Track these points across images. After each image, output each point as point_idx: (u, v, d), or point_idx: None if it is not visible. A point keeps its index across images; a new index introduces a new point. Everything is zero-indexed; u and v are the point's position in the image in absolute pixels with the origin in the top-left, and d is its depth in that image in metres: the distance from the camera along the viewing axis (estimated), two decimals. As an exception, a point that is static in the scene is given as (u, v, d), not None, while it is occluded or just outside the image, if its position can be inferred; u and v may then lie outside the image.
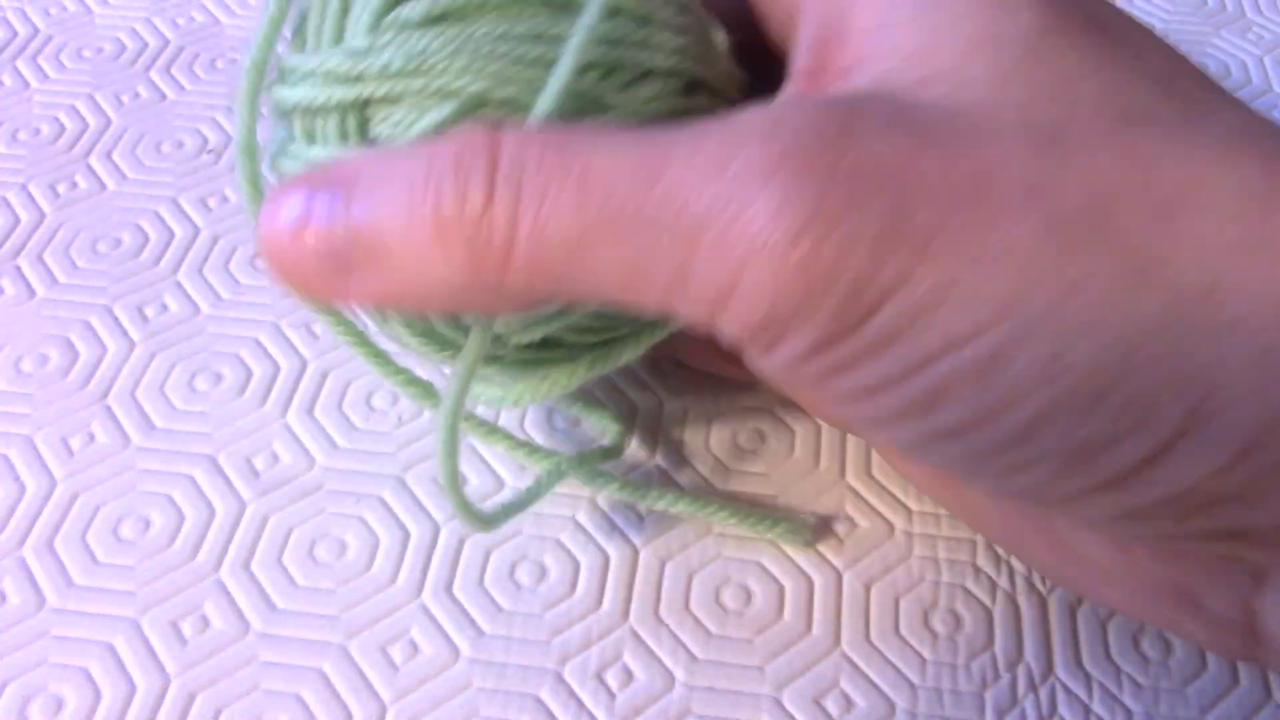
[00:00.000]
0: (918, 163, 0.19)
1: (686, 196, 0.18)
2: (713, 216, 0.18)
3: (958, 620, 0.29)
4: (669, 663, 0.28)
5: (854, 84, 0.21)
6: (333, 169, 0.22)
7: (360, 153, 0.23)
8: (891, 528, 0.31)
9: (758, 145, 0.18)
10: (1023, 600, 0.29)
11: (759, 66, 0.26)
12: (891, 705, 0.28)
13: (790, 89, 0.23)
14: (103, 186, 0.40)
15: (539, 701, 0.28)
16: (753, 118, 0.19)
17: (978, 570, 0.30)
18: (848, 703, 0.28)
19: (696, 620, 0.29)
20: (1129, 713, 0.28)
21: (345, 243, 0.21)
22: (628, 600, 0.29)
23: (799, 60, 0.23)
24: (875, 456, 0.32)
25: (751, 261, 0.18)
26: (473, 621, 0.29)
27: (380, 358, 0.29)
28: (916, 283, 0.18)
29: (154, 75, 0.44)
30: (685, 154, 0.19)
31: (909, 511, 0.31)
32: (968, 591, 0.30)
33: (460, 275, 0.20)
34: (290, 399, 0.34)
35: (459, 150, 0.20)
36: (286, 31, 0.27)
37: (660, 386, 0.34)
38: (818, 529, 0.31)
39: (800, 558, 0.30)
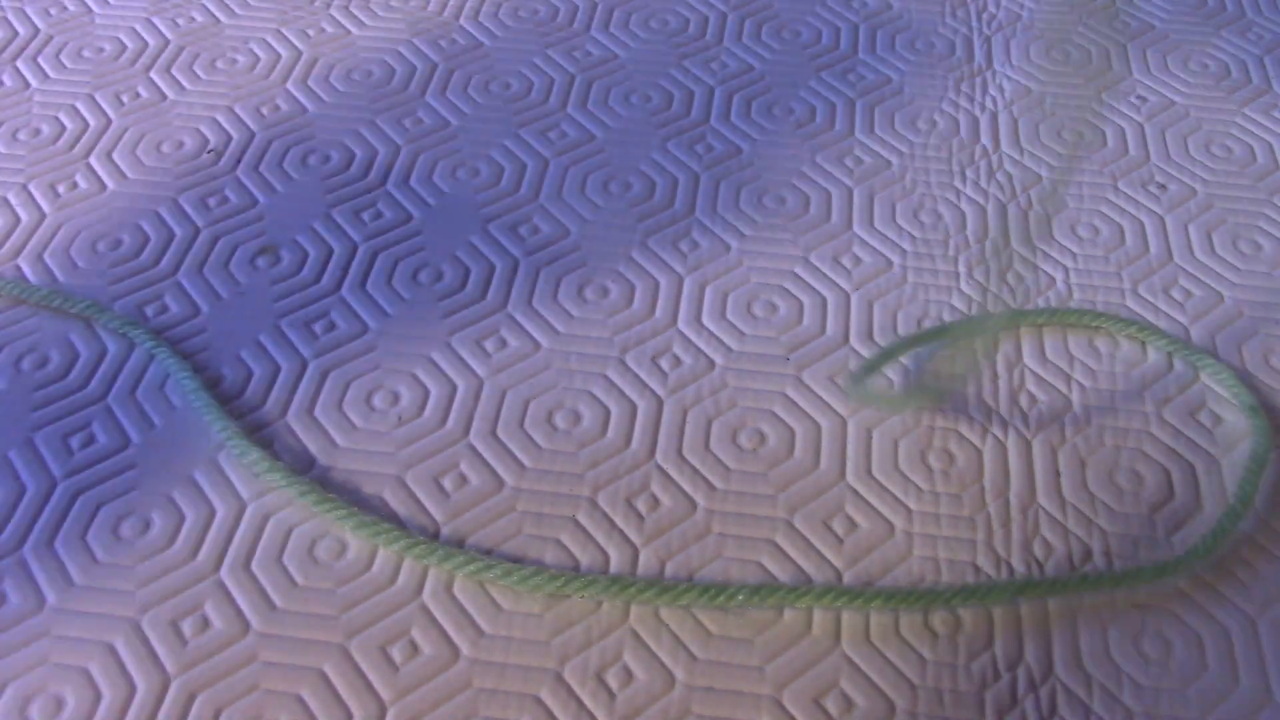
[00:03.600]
0: None
1: None
2: None
3: (958, 620, 0.29)
4: (669, 662, 0.28)
5: None
6: None
7: None
8: (891, 528, 0.31)
9: None
10: (1023, 601, 0.29)
11: None
12: (891, 705, 0.28)
13: None
14: (103, 186, 0.40)
15: (539, 701, 0.28)
16: None
17: (978, 570, 0.30)
18: (848, 703, 0.28)
19: (696, 620, 0.29)
20: (1129, 713, 0.28)
21: None
22: (627, 600, 0.29)
23: None
24: (875, 457, 0.32)
25: None
26: (473, 621, 0.29)
27: None
28: None
29: (154, 75, 0.44)
30: None
31: (909, 511, 0.31)
32: (968, 591, 0.30)
33: None
34: (290, 399, 0.34)
35: None
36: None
37: (660, 386, 0.34)
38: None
39: (800, 557, 0.30)
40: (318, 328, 0.35)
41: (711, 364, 0.34)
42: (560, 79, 0.44)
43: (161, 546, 0.30)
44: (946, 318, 0.36)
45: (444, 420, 0.33)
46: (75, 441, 0.32)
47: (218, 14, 0.47)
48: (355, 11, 0.47)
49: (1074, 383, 0.34)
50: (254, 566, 0.30)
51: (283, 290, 0.36)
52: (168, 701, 0.27)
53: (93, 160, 0.41)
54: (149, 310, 0.36)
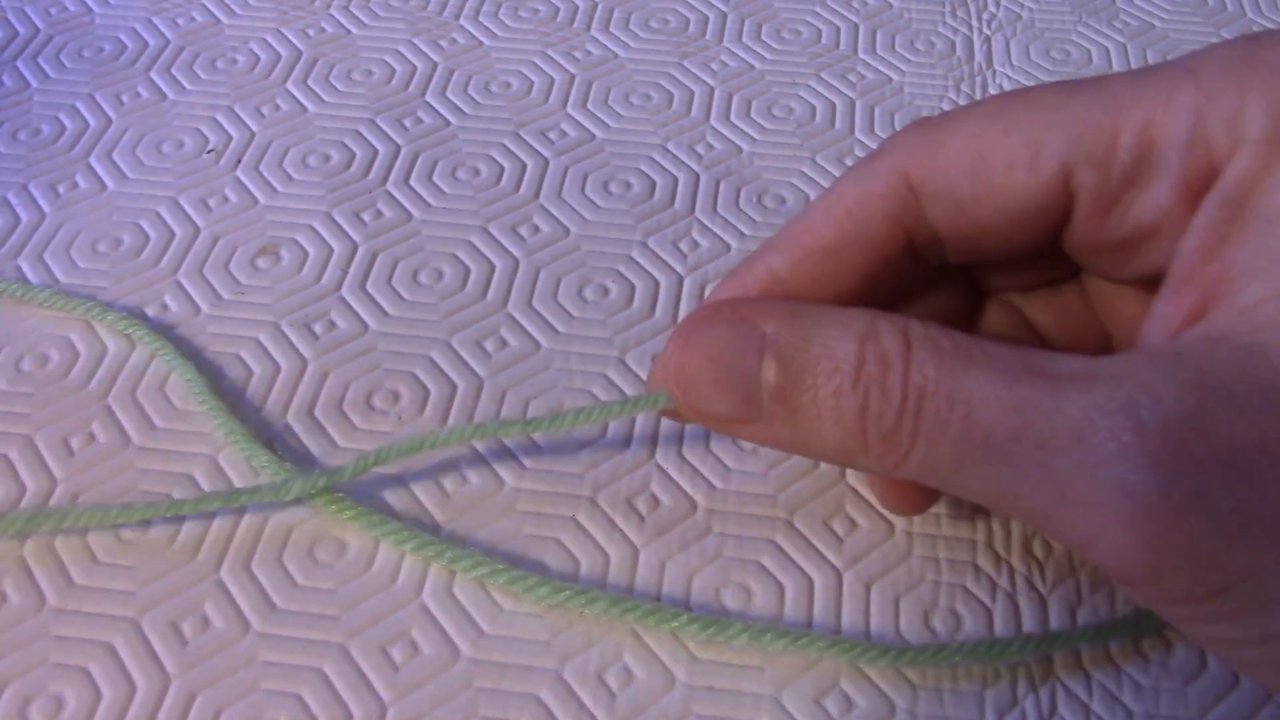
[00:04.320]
0: (1274, 449, 0.19)
1: (1052, 454, 0.20)
2: (1073, 478, 0.20)
3: (958, 620, 0.29)
4: (669, 662, 0.28)
5: (1215, 324, 0.21)
6: (755, 310, 0.24)
7: (777, 302, 0.24)
8: (891, 528, 0.31)
9: (1118, 418, 0.19)
10: (1023, 600, 0.29)
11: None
12: (891, 705, 0.28)
13: (1153, 329, 0.23)
14: (103, 186, 0.40)
15: (539, 701, 0.28)
16: (1113, 387, 0.20)
17: (978, 570, 0.30)
18: (848, 703, 0.28)
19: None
20: (1129, 713, 0.28)
21: (765, 395, 0.23)
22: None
23: (1166, 294, 0.23)
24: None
25: (1106, 529, 0.20)
26: (473, 621, 0.29)
27: None
28: (1271, 572, 0.19)
29: (154, 75, 0.44)
30: (1051, 410, 0.20)
31: (909, 511, 0.31)
32: (968, 591, 0.30)
33: (856, 455, 0.23)
34: (290, 399, 0.34)
35: (882, 352, 0.22)
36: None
37: (660, 386, 0.34)
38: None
39: (800, 558, 0.30)
40: (318, 328, 0.35)
41: (711, 364, 0.34)
42: (560, 79, 0.44)
43: (161, 546, 0.30)
44: (946, 318, 0.36)
45: (444, 420, 0.33)
46: (75, 442, 0.32)
47: (218, 14, 0.47)
48: (355, 11, 0.47)
49: (1074, 383, 0.34)
50: (254, 566, 0.30)
51: (283, 290, 0.36)
52: (168, 701, 0.27)
53: (93, 160, 0.41)
54: (149, 310, 0.36)
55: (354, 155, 0.41)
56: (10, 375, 0.34)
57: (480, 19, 0.47)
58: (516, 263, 0.37)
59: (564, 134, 0.42)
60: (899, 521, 0.31)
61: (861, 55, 0.45)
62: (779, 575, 0.30)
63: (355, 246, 0.38)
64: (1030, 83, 0.44)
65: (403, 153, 0.41)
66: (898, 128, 0.42)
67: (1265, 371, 0.20)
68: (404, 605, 0.29)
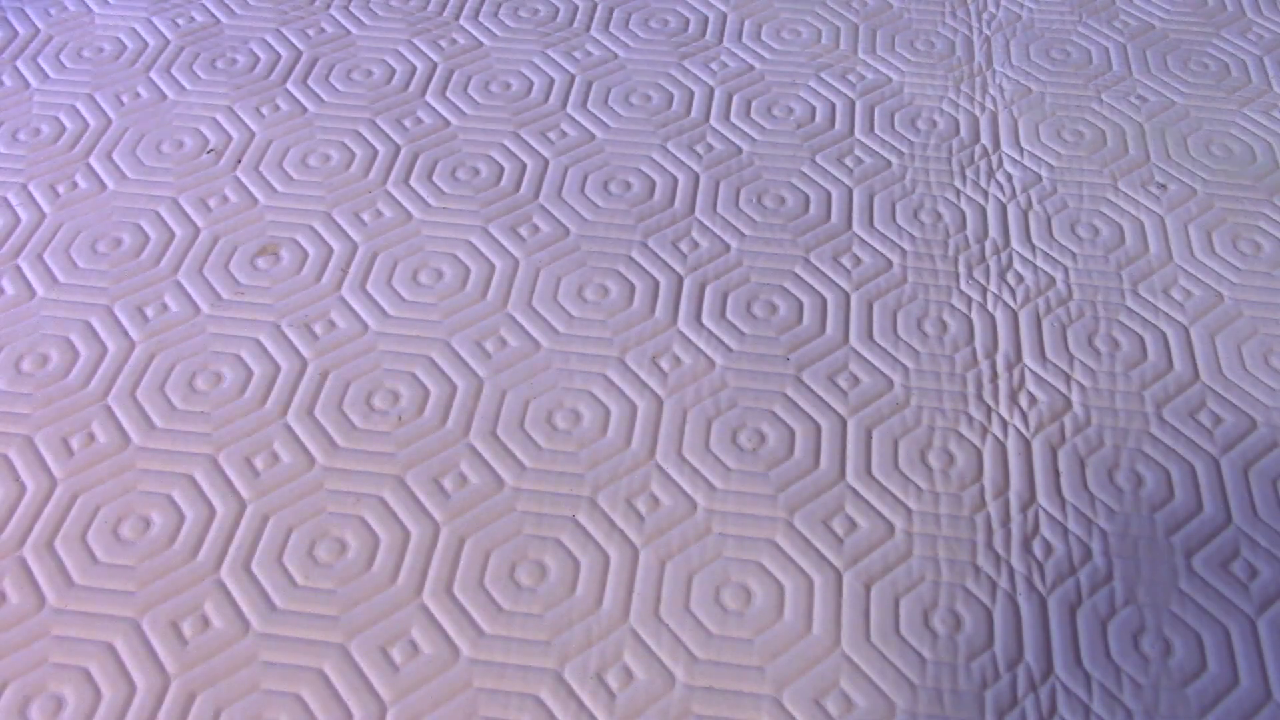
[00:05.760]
0: None
1: None
2: None
3: (958, 620, 0.29)
4: (669, 663, 0.28)
5: None
6: None
7: None
8: (892, 528, 0.31)
9: None
10: (1023, 600, 0.29)
11: None
12: (891, 705, 0.28)
13: None
14: (103, 186, 0.40)
15: (539, 701, 0.28)
16: None
17: (978, 570, 0.30)
18: (848, 703, 0.28)
19: (696, 620, 0.29)
20: (1129, 713, 0.28)
21: None
22: (628, 600, 0.29)
23: None
24: (875, 457, 0.32)
25: None
26: (473, 621, 0.29)
27: None
28: None
29: (154, 75, 0.44)
30: None
31: (909, 511, 0.31)
32: (968, 591, 0.30)
33: None
34: (290, 399, 0.34)
35: None
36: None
37: (660, 386, 0.34)
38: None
39: (800, 558, 0.30)
40: (318, 328, 0.35)
41: (711, 364, 0.34)
42: (560, 79, 0.44)
43: (161, 546, 0.30)
44: (946, 318, 0.36)
45: (444, 420, 0.33)
46: (75, 441, 0.32)
47: (218, 14, 0.47)
48: (355, 11, 0.47)
49: (1074, 383, 0.34)
50: (254, 566, 0.30)
51: (283, 290, 0.36)
52: (168, 701, 0.27)
53: (93, 160, 0.41)
54: (149, 310, 0.36)
55: (354, 155, 0.41)
56: (10, 375, 0.34)
57: (480, 19, 0.47)
58: (516, 263, 0.37)
59: (564, 134, 0.42)
60: (899, 521, 0.31)
61: (861, 55, 0.45)
62: (779, 575, 0.30)
63: (355, 246, 0.38)
64: (1030, 83, 0.44)
65: (403, 152, 0.41)
66: (898, 128, 0.42)
67: None
68: (404, 605, 0.29)
